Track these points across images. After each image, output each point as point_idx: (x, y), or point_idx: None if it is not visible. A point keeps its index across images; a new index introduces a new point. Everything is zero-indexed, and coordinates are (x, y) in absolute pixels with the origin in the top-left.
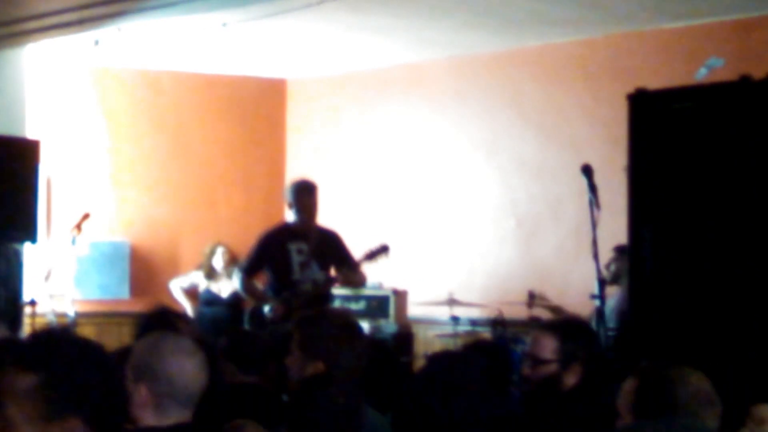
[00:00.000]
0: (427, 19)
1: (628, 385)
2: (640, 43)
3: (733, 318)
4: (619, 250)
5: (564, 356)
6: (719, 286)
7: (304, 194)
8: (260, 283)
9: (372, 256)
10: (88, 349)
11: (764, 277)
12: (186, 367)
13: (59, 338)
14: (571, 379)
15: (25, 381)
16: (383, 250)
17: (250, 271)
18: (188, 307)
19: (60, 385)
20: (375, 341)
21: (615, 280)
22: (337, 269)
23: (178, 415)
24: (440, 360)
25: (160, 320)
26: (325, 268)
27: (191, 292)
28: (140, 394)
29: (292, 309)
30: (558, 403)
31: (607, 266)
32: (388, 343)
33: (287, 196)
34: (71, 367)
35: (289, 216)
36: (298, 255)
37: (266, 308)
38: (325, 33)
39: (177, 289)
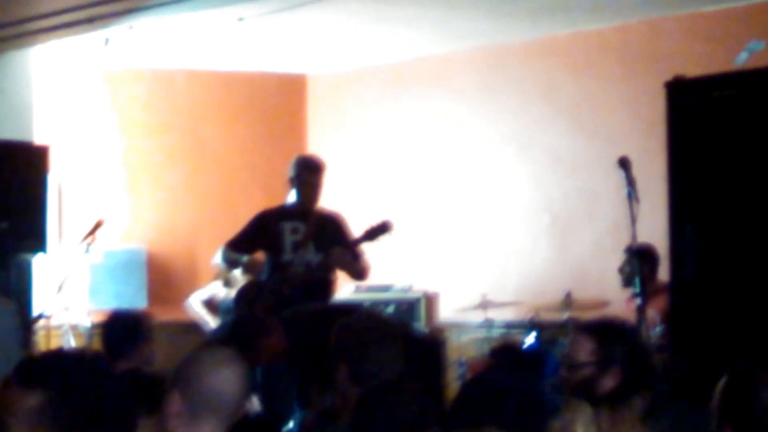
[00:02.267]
0: (452, 8)
1: (719, 386)
2: (677, 28)
3: None
4: (631, 252)
5: (602, 359)
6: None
7: (308, 171)
8: None
9: (372, 234)
10: (98, 365)
11: None
12: (220, 375)
13: (67, 355)
14: (608, 383)
15: (32, 399)
16: (384, 227)
17: (235, 246)
18: (210, 321)
19: (68, 403)
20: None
21: (629, 282)
22: None
23: (211, 429)
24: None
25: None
26: (324, 251)
27: (211, 304)
28: (173, 400)
29: (283, 296)
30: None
31: (621, 269)
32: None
33: (289, 171)
34: (78, 385)
35: (290, 196)
36: (292, 234)
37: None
38: (346, 25)
39: (197, 303)
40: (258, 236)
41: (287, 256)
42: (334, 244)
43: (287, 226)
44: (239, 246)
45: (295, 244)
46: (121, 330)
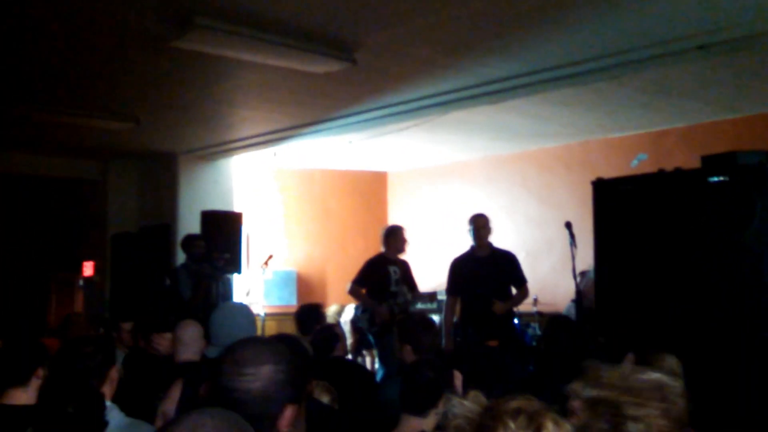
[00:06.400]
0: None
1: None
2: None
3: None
4: (582, 274)
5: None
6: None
7: (391, 235)
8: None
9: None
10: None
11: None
12: None
13: None
14: None
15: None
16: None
17: (359, 283)
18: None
19: None
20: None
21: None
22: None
23: None
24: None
25: (311, 312)
26: (407, 285)
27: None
28: None
29: (394, 313)
30: None
31: (578, 284)
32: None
33: (382, 236)
34: None
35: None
36: (395, 274)
37: (359, 311)
38: (415, 141)
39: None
40: (372, 274)
41: (393, 288)
42: (409, 282)
43: (391, 269)
44: (362, 282)
45: (396, 281)
46: (308, 314)
